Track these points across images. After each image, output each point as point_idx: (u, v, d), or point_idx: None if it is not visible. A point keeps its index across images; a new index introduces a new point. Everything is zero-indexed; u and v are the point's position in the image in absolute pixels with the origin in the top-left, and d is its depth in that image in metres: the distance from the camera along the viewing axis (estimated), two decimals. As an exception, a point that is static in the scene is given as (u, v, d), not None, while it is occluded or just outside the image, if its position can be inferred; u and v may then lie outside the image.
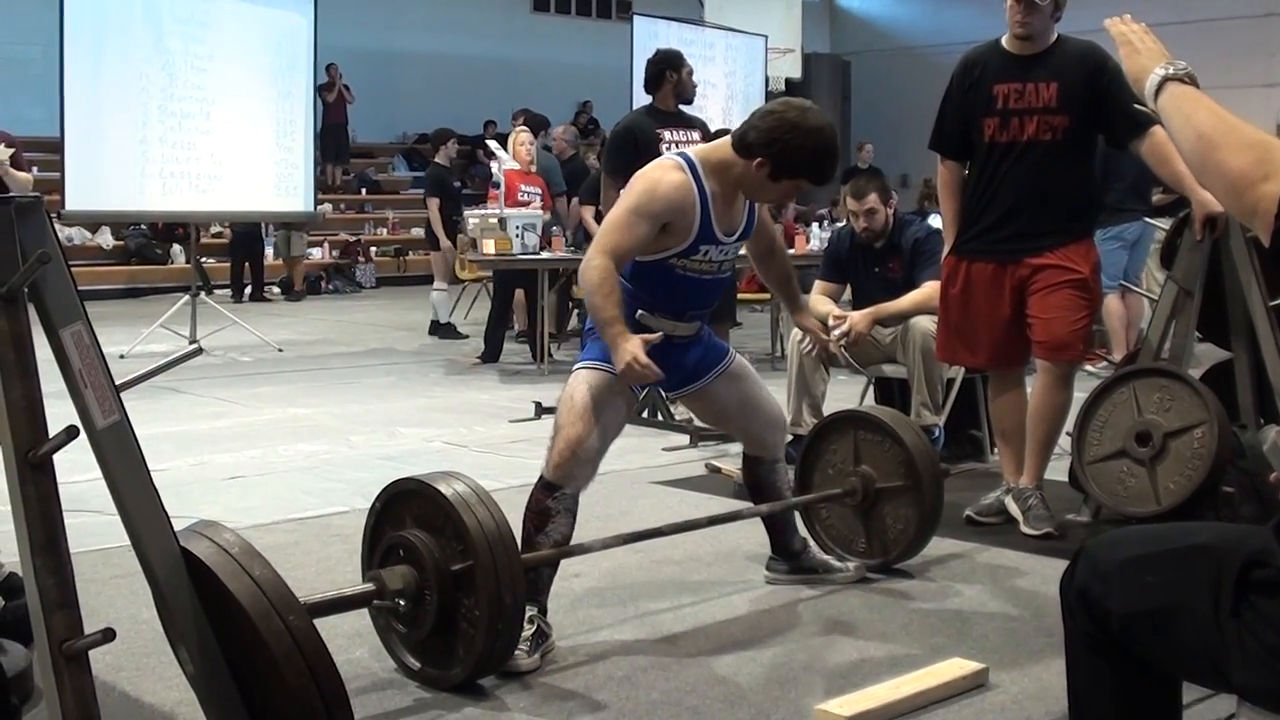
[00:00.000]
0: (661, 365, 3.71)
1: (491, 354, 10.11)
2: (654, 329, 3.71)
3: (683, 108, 7.79)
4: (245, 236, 15.81)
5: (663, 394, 6.58)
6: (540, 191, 10.37)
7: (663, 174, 3.71)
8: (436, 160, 12.44)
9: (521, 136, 10.61)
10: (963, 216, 4.93)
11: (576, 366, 3.79)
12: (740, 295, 10.42)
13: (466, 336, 11.53)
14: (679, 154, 3.82)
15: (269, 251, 16.39)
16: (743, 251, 4.07)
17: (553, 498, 3.64)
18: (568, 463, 3.63)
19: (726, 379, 4.02)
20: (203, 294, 11.05)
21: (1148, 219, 8.48)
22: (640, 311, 3.77)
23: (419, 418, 7.53)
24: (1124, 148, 4.76)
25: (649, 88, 7.67)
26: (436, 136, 12.63)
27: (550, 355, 9.69)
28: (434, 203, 12.00)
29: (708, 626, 3.89)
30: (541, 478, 3.68)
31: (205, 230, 16.28)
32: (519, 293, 10.53)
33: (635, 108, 8.59)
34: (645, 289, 3.78)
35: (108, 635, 2.16)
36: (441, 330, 11.82)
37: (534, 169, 10.43)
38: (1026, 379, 5.02)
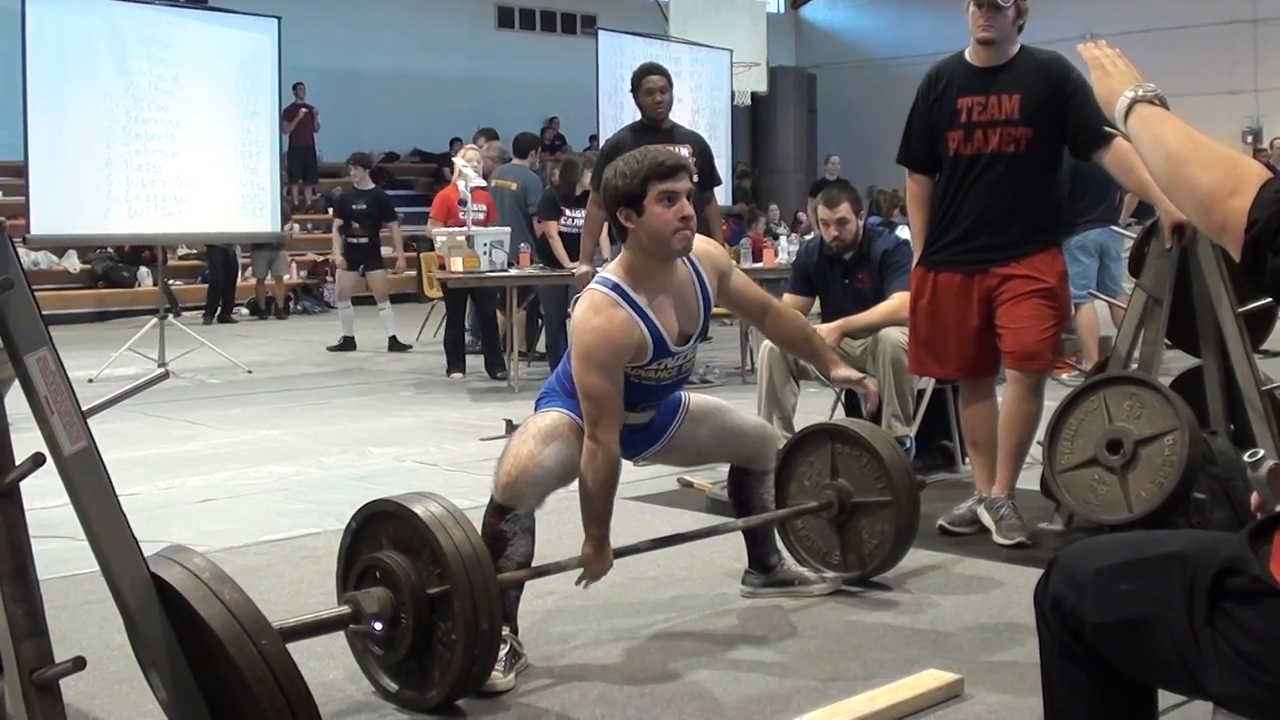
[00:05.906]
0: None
1: (456, 363, 10.22)
2: None
3: (677, 121, 7.82)
4: (224, 256, 15.75)
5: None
6: (485, 209, 10.37)
7: (606, 322, 3.54)
8: (356, 185, 12.72)
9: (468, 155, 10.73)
10: (930, 229, 4.94)
11: (537, 409, 3.77)
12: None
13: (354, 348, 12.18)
14: (602, 281, 3.64)
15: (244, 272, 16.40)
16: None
17: (505, 520, 3.57)
18: (516, 482, 3.55)
19: (690, 424, 3.97)
20: (170, 316, 11.01)
21: (1115, 228, 8.53)
22: None
23: (390, 437, 7.50)
24: (1087, 158, 4.78)
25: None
26: (353, 159, 12.97)
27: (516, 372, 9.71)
28: (336, 224, 12.49)
29: (683, 642, 3.87)
30: (491, 500, 3.62)
31: (172, 252, 16.21)
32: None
33: (626, 124, 8.49)
34: None
35: (78, 664, 2.14)
36: (344, 344, 12.24)
37: (471, 186, 10.29)
38: (997, 389, 5.04)
